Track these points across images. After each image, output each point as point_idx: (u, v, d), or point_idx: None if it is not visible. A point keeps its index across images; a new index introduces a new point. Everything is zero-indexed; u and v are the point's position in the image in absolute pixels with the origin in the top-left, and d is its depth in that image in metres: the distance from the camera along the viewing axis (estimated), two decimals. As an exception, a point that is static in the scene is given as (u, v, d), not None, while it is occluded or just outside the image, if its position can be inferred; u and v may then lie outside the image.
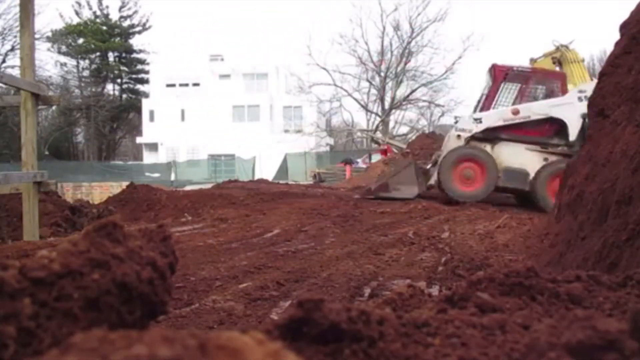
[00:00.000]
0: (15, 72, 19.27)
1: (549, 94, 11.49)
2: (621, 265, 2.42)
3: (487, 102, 11.56)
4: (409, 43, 35.40)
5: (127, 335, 0.51)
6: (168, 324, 2.84)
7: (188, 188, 15.99)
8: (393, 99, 36.01)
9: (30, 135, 6.02)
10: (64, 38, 43.05)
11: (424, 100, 36.98)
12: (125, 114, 48.59)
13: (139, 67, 47.80)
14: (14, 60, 32.72)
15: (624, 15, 3.95)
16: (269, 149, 36.42)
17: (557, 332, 0.69)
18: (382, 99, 36.23)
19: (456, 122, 12.11)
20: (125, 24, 46.27)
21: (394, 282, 3.97)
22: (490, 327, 0.77)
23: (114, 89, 48.37)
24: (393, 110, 36.77)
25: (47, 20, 59.77)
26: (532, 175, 10.95)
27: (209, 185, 15.89)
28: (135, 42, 47.20)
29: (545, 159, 11.07)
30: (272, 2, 73.36)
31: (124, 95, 48.18)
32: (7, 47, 34.66)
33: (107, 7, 45.03)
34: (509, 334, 0.76)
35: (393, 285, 3.83)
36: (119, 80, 47.91)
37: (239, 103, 43.41)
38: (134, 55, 47.37)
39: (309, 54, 34.08)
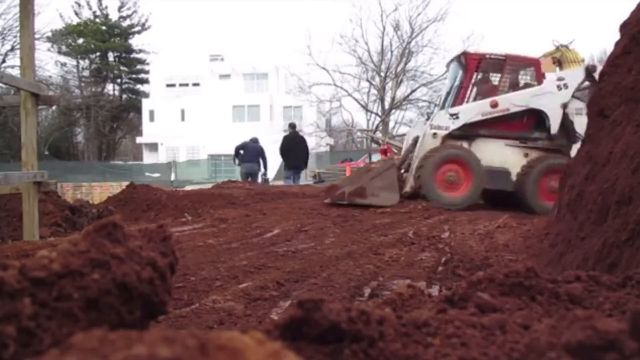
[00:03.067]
0: (15, 72, 19.27)
1: (526, 83, 10.58)
2: (621, 265, 2.42)
3: (460, 94, 10.43)
4: (409, 43, 35.43)
5: (127, 335, 0.51)
6: (168, 324, 2.84)
7: (188, 188, 15.99)
8: (393, 99, 36.02)
9: (30, 135, 6.02)
10: (64, 38, 43.07)
11: (424, 100, 36.98)
12: (125, 114, 48.61)
13: (139, 67, 47.82)
14: (14, 60, 32.75)
15: (624, 15, 3.95)
16: (269, 149, 36.37)
17: (557, 332, 0.69)
18: (382, 99, 36.25)
19: (428, 119, 10.73)
20: (125, 24, 46.30)
21: (394, 282, 3.97)
22: (490, 327, 0.77)
23: (114, 89, 48.41)
24: (393, 110, 36.79)
25: (47, 20, 59.86)
26: (513, 173, 10.09)
27: (208, 185, 15.89)
28: (135, 42, 47.28)
29: (526, 155, 10.21)
30: (272, 2, 73.39)
31: (124, 95, 48.21)
32: (7, 47, 34.71)
33: (106, 7, 45.08)
34: (509, 334, 0.76)
35: (393, 285, 3.83)
36: (119, 80, 47.93)
37: (239, 103, 43.43)
38: (134, 55, 47.39)
39: (309, 54, 34.10)
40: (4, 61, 34.55)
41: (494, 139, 10.26)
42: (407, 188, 10.09)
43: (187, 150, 42.04)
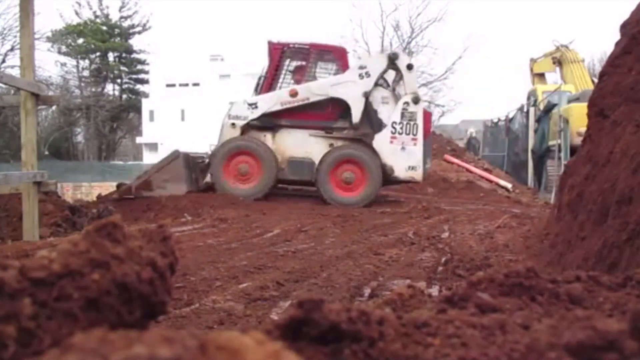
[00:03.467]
0: (15, 72, 19.26)
1: (328, 71, 10.43)
2: (621, 266, 2.42)
3: (265, 84, 10.41)
4: (409, 43, 35.44)
5: (127, 335, 0.51)
6: (168, 324, 2.84)
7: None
8: (393, 99, 35.95)
9: (30, 135, 6.03)
10: (64, 38, 43.06)
11: (424, 100, 36.94)
12: (125, 114, 48.60)
13: (139, 67, 47.81)
14: (14, 60, 32.71)
15: (624, 15, 3.95)
16: (269, 149, 36.37)
17: (557, 332, 0.69)
18: (382, 99, 36.18)
19: (230, 109, 10.63)
20: (125, 24, 46.28)
21: (394, 282, 3.97)
22: (490, 328, 0.77)
23: (114, 89, 48.40)
24: (393, 110, 36.70)
25: (47, 20, 59.84)
26: (317, 164, 10.08)
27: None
28: (135, 42, 47.23)
29: (331, 145, 10.14)
30: (272, 2, 73.41)
31: (124, 95, 48.19)
32: (7, 47, 34.68)
33: (107, 7, 45.07)
34: (509, 334, 0.76)
35: (393, 285, 3.83)
36: (119, 80, 47.92)
37: (239, 103, 43.42)
38: (134, 55, 47.38)
39: (308, 54, 34.05)
40: (4, 61, 34.55)
41: (298, 129, 10.14)
42: (208, 178, 10.29)
43: (187, 150, 42.04)
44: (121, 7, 45.47)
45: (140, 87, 48.64)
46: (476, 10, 67.43)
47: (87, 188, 24.01)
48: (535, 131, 15.51)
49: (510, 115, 19.57)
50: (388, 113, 10.09)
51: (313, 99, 10.02)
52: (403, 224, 7.53)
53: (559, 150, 12.82)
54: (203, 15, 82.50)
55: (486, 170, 16.07)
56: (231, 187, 9.92)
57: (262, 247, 5.48)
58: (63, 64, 44.32)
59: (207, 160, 10.69)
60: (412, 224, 7.53)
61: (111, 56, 46.58)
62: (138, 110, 45.95)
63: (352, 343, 0.70)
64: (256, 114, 10.07)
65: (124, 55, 46.99)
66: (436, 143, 17.21)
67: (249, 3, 77.07)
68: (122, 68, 46.87)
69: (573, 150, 10.52)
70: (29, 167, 5.92)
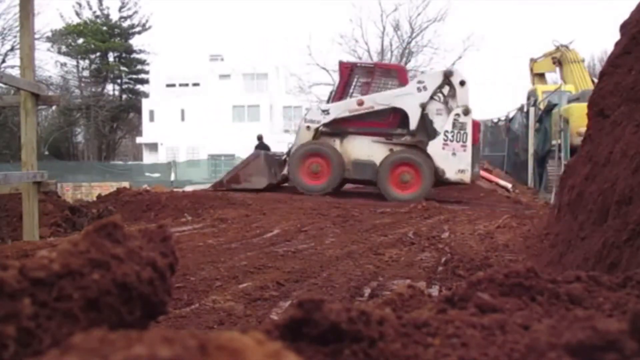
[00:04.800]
0: (15, 72, 19.27)
1: (390, 87, 12.00)
2: (621, 266, 2.42)
3: (335, 97, 12.15)
4: (409, 43, 35.40)
5: (127, 336, 0.51)
6: (168, 324, 2.84)
7: (189, 188, 15.98)
8: (393, 99, 35.96)
9: (30, 135, 6.02)
10: (64, 38, 43.03)
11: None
12: (125, 114, 48.58)
13: (139, 67, 47.78)
14: (14, 60, 32.71)
15: (624, 15, 3.95)
16: (273, 149, 36.35)
17: (557, 332, 0.69)
18: (382, 99, 36.19)
19: (306, 114, 12.65)
20: (126, 24, 46.27)
21: (394, 282, 3.97)
22: (490, 328, 0.77)
23: (114, 89, 48.37)
24: (393, 110, 36.73)
25: (47, 20, 59.83)
26: (378, 166, 11.63)
27: (208, 186, 15.91)
28: (135, 42, 47.19)
29: (391, 150, 11.65)
30: (272, 2, 73.39)
31: (124, 95, 48.18)
32: (7, 47, 34.67)
33: (107, 7, 45.05)
34: (509, 334, 0.76)
35: (393, 285, 3.83)
36: (119, 80, 47.89)
37: (239, 103, 43.40)
38: (134, 55, 47.35)
39: (309, 54, 34.07)
40: (4, 61, 34.55)
41: (362, 135, 11.80)
42: (285, 171, 12.16)
43: (187, 150, 42.00)
44: (121, 7, 45.47)
45: (140, 87, 48.62)
46: (476, 10, 67.42)
47: (87, 188, 23.99)
48: (537, 131, 15.51)
49: (510, 115, 19.56)
50: (441, 123, 11.47)
51: (377, 107, 11.61)
52: (403, 224, 7.53)
53: (559, 150, 12.84)
54: (203, 15, 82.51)
55: (486, 170, 16.06)
56: (304, 183, 11.73)
57: (262, 247, 5.48)
58: (63, 64, 44.32)
59: (284, 157, 12.64)
60: (412, 224, 7.53)
61: (111, 56, 46.56)
62: (138, 110, 45.92)
63: (352, 343, 0.70)
64: (328, 119, 11.79)
65: (124, 55, 46.96)
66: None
67: (249, 3, 77.08)
68: (122, 68, 46.84)
69: (573, 150, 10.68)
70: (29, 167, 5.92)
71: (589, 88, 12.83)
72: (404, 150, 11.64)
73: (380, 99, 11.64)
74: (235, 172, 12.44)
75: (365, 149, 11.70)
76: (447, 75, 11.56)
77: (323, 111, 11.95)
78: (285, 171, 12.10)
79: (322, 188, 11.54)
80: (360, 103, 11.64)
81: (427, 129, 11.55)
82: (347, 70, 12.22)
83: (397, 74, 12.15)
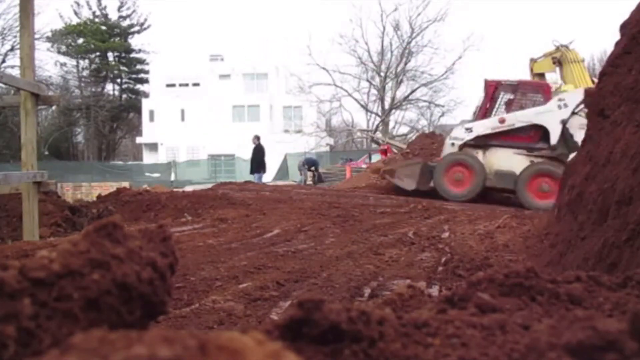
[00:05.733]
0: (15, 72, 19.26)
1: (534, 103, 12.61)
2: (621, 266, 2.42)
3: (480, 113, 12.96)
4: (409, 43, 35.42)
5: (127, 336, 0.51)
6: (168, 324, 2.84)
7: (189, 188, 15.98)
8: (393, 99, 36.00)
9: (30, 135, 6.02)
10: (63, 38, 43.04)
11: (424, 101, 36.98)
12: (125, 114, 48.59)
13: (139, 67, 47.80)
14: (14, 60, 32.73)
15: (624, 15, 3.95)
16: (269, 149, 36.37)
17: (557, 332, 0.69)
18: (382, 99, 36.22)
19: (451, 132, 13.68)
20: (125, 23, 46.27)
21: (394, 282, 3.97)
22: (490, 328, 0.77)
23: (113, 89, 48.38)
24: (393, 110, 36.78)
25: (47, 20, 59.72)
26: (518, 176, 12.23)
27: (208, 186, 15.91)
28: (135, 42, 47.24)
29: (531, 161, 12.22)
30: (272, 2, 73.40)
31: (124, 95, 48.18)
32: (7, 47, 34.72)
33: (105, 7, 45.05)
34: (509, 335, 0.76)
35: (393, 285, 3.82)
36: (118, 80, 47.91)
37: (239, 103, 43.40)
38: (134, 55, 47.37)
39: (309, 54, 34.11)
40: (4, 61, 34.57)
41: (504, 148, 12.43)
42: (431, 183, 12.97)
43: (187, 150, 42.00)
44: (120, 7, 45.47)
45: (140, 87, 48.64)
46: (476, 10, 67.40)
47: (87, 188, 23.98)
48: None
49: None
50: (582, 136, 11.57)
51: (518, 125, 12.27)
52: (403, 224, 7.52)
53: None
54: (203, 15, 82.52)
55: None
56: (447, 190, 12.48)
57: (262, 247, 5.48)
58: (63, 64, 44.34)
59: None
60: (412, 224, 7.53)
61: (111, 56, 46.56)
62: (138, 110, 45.91)
63: (352, 343, 0.70)
64: (471, 136, 12.61)
65: (123, 55, 46.97)
66: (436, 143, 17.23)
67: (249, 3, 77.08)
68: (122, 68, 46.85)
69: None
70: (29, 167, 5.92)
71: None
72: (544, 162, 12.12)
73: (522, 117, 12.25)
74: (395, 167, 13.52)
75: (507, 160, 12.33)
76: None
77: (467, 129, 12.75)
78: (432, 183, 12.88)
79: (463, 195, 12.24)
80: (502, 121, 12.29)
81: (567, 142, 11.92)
82: (492, 88, 12.82)
83: (541, 90, 12.77)
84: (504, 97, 12.81)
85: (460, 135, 12.79)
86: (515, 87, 12.83)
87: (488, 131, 12.41)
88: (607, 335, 0.63)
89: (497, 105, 12.80)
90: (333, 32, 57.72)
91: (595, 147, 3.70)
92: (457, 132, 13.06)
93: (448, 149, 12.98)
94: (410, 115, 39.33)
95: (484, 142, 12.55)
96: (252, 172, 18.64)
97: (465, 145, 12.68)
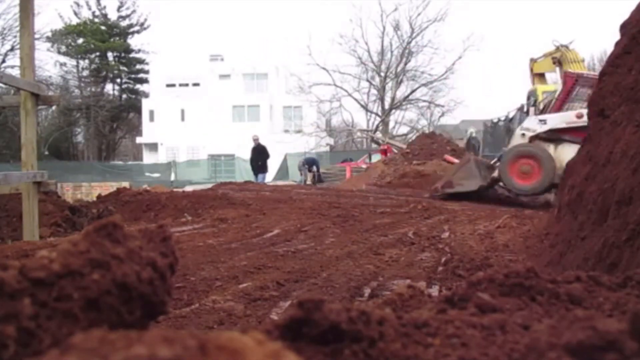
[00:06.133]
0: (15, 72, 19.25)
1: None
2: (621, 266, 2.42)
3: (556, 105, 12.33)
4: (409, 43, 35.40)
5: (127, 336, 0.51)
6: (168, 324, 2.84)
7: (189, 188, 15.99)
8: (393, 99, 35.99)
9: (30, 135, 6.02)
10: (63, 38, 43.03)
11: (424, 100, 36.96)
12: (125, 114, 48.57)
13: (139, 67, 47.77)
14: (14, 60, 32.72)
15: (624, 15, 3.95)
16: (269, 149, 36.34)
17: (557, 332, 0.69)
18: (382, 99, 36.21)
19: (521, 122, 13.05)
20: (124, 23, 46.25)
21: (394, 282, 3.97)
22: (490, 328, 0.77)
23: (113, 89, 48.36)
24: (393, 110, 36.76)
25: (47, 20, 59.67)
26: None
27: (208, 186, 15.91)
28: (135, 41, 47.21)
29: None
30: (272, 2, 73.38)
31: (124, 95, 48.15)
32: (7, 47, 34.69)
33: (105, 7, 45.04)
34: (509, 334, 0.76)
35: (393, 285, 3.82)
36: (118, 80, 47.88)
37: (239, 103, 43.38)
38: (134, 55, 47.34)
39: (309, 54, 34.09)
40: (4, 61, 34.54)
41: (577, 144, 11.99)
42: (495, 174, 12.36)
43: (187, 150, 41.98)
44: (119, 7, 45.45)
45: (140, 87, 48.62)
46: (476, 10, 67.41)
47: (87, 188, 23.98)
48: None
49: (510, 115, 19.54)
50: None
51: None
52: (403, 224, 7.52)
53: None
54: (203, 15, 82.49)
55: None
56: (513, 182, 11.95)
57: (262, 247, 5.48)
58: (63, 64, 44.31)
59: (494, 161, 12.94)
60: (412, 224, 7.53)
61: (110, 56, 46.54)
62: (138, 110, 45.90)
63: (352, 343, 0.70)
64: (544, 128, 11.97)
65: (123, 55, 46.94)
66: (436, 143, 17.23)
67: (249, 3, 77.05)
68: (122, 68, 46.82)
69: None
70: (28, 167, 5.92)
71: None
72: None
73: None
74: (449, 179, 12.74)
75: None
76: None
77: (540, 121, 12.17)
78: (495, 174, 12.34)
79: (530, 189, 11.84)
80: (579, 116, 11.51)
81: None
82: (572, 81, 12.28)
83: None
84: (579, 90, 12.13)
85: (533, 127, 12.15)
86: (595, 81, 12.55)
87: (562, 125, 11.78)
88: (607, 335, 0.63)
89: (572, 99, 12.18)
90: (333, 32, 57.77)
91: (595, 147, 3.70)
92: (530, 122, 12.44)
93: (518, 139, 12.28)
94: (410, 115, 39.34)
95: (556, 136, 11.94)
96: (255, 173, 18.60)
97: (536, 137, 12.04)
